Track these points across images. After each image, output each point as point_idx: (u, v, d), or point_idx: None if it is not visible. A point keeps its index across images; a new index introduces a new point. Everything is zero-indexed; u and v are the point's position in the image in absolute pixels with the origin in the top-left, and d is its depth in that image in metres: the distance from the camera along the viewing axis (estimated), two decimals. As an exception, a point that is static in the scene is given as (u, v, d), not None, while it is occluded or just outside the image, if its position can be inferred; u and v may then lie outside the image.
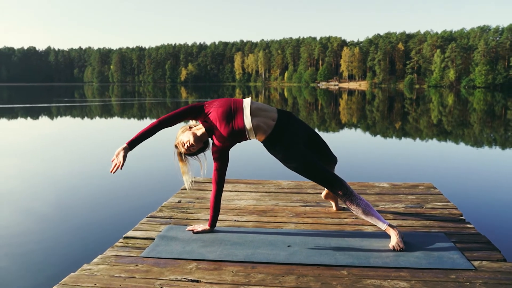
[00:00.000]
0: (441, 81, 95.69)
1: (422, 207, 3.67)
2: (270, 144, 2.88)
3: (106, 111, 26.11)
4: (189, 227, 3.12)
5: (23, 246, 4.24)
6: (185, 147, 2.92)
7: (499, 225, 4.82)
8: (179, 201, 3.88)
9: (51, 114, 23.29)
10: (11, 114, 23.06)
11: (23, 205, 5.81)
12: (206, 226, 3.09)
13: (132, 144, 2.68)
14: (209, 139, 3.02)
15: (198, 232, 3.05)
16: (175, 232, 3.07)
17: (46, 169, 8.38)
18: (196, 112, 2.84)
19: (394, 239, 2.79)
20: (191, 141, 2.90)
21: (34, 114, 23.12)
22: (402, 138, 13.51)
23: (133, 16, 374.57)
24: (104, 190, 6.56)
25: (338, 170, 3.50)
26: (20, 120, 19.78)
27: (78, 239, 4.50)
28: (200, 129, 2.95)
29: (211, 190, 3.18)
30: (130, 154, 2.65)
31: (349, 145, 11.60)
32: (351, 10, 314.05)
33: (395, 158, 9.70)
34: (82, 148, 11.15)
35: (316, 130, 14.60)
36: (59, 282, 2.30)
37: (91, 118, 20.95)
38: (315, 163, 2.83)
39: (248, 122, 2.81)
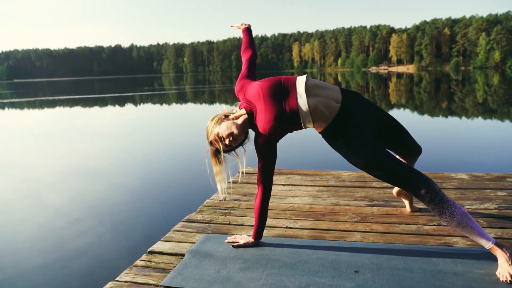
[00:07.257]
0: (486, 63, 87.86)
1: (521, 209, 2.53)
2: (332, 135, 1.88)
3: (181, 97, 25.86)
4: (229, 238, 2.18)
5: (116, 215, 4.24)
6: (227, 140, 1.94)
7: None
8: (224, 199, 2.91)
9: (135, 101, 23.34)
10: (103, 102, 23.38)
11: (113, 180, 5.83)
12: (249, 237, 2.13)
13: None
14: (249, 129, 2.04)
15: (239, 246, 2.10)
16: (210, 245, 2.14)
17: (131, 149, 8.34)
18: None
19: (504, 265, 1.71)
20: (235, 132, 1.92)
21: (121, 102, 23.24)
22: (462, 117, 11.75)
23: (202, 13, 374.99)
24: (184, 165, 6.49)
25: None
26: (109, 108, 19.90)
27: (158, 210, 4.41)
28: (240, 117, 1.98)
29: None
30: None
31: (413, 129, 9.93)
32: None
33: (468, 143, 7.53)
34: (161, 131, 11.03)
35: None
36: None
37: (169, 104, 20.63)
38: (388, 159, 1.82)
39: (303, 102, 1.83)
